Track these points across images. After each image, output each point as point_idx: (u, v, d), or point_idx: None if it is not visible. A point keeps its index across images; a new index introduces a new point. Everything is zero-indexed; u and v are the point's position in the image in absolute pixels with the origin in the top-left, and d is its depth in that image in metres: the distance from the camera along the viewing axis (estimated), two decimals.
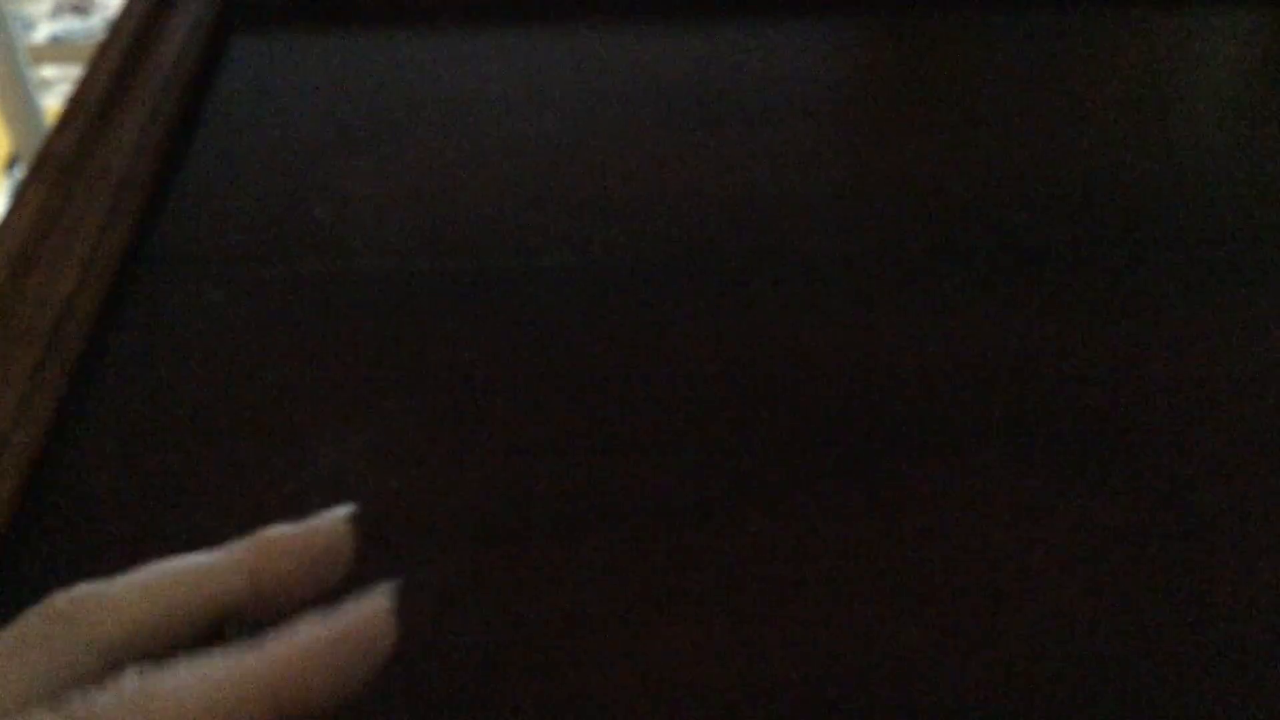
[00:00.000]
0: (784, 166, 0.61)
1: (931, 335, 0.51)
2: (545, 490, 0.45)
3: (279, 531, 0.29)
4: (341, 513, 0.29)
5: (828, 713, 0.38)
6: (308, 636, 0.26)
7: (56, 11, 2.44)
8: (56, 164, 0.58)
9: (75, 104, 0.62)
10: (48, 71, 2.14)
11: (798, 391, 0.49)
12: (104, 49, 0.66)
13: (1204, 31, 0.71)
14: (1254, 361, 0.50)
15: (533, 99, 0.66)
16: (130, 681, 0.24)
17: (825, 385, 0.49)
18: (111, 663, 0.24)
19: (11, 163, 1.98)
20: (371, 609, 0.27)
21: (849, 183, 0.60)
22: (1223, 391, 0.48)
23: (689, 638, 0.40)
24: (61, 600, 0.26)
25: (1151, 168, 0.60)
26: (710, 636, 0.40)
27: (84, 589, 0.26)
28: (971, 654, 0.40)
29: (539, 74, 0.68)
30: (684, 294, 0.53)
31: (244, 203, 0.59)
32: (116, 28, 0.68)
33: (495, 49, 0.70)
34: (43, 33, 2.38)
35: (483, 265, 0.55)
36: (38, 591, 0.26)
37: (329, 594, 0.28)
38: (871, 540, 0.43)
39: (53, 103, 1.96)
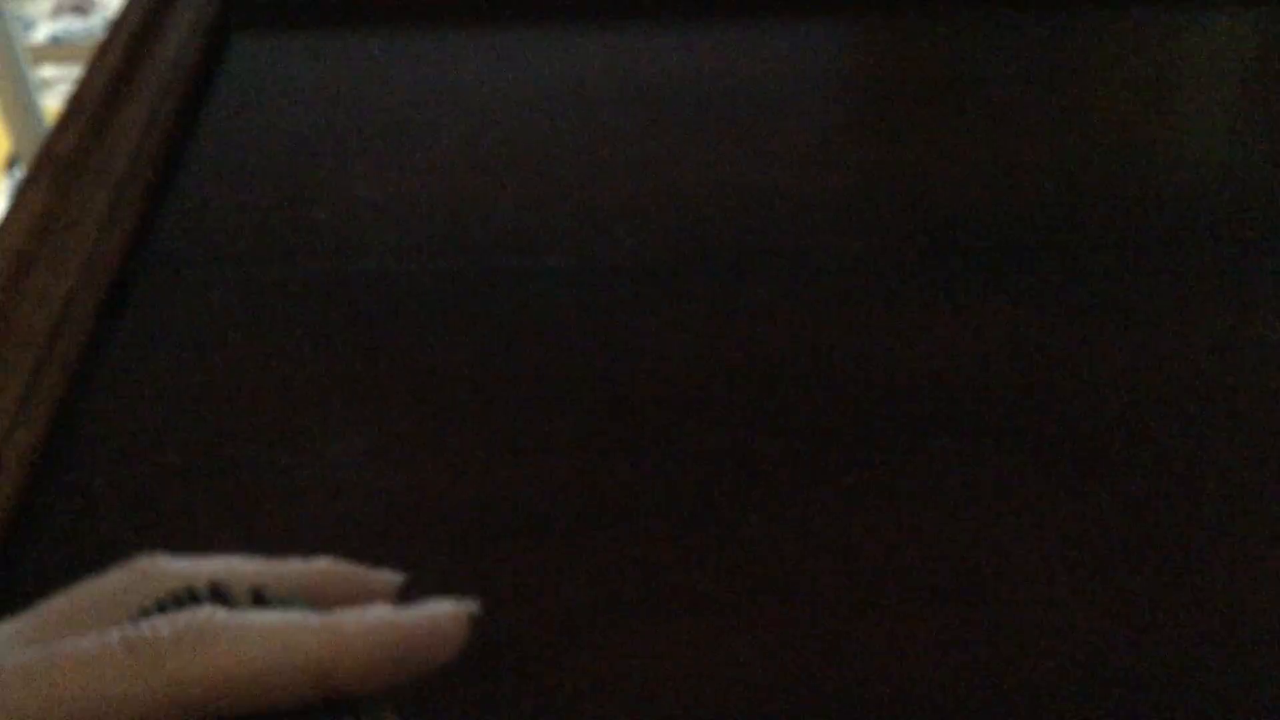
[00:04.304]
0: (784, 166, 0.61)
1: (931, 335, 0.51)
2: (545, 490, 0.45)
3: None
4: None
5: (827, 711, 0.38)
6: (378, 621, 0.26)
7: (56, 11, 2.44)
8: (56, 164, 0.58)
9: (75, 104, 0.62)
10: (48, 71, 2.14)
11: (797, 391, 0.49)
12: (104, 49, 0.66)
13: (1204, 31, 0.71)
14: (1253, 361, 0.50)
15: (533, 99, 0.66)
16: (200, 613, 0.24)
17: (825, 385, 0.49)
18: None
19: (11, 163, 1.98)
20: (448, 613, 0.27)
21: (849, 183, 0.60)
22: (1222, 391, 0.48)
23: (688, 638, 0.40)
24: (143, 559, 0.27)
25: (1151, 168, 0.60)
26: (710, 636, 0.40)
27: (162, 557, 0.27)
28: (971, 653, 0.40)
29: (539, 74, 0.68)
30: (684, 294, 0.53)
31: (244, 203, 0.59)
32: (116, 28, 0.68)
33: (495, 49, 0.70)
34: (43, 33, 2.38)
35: (483, 265, 0.55)
36: (38, 592, 0.26)
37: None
38: (871, 540, 0.43)
39: (53, 103, 1.96)
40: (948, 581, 0.42)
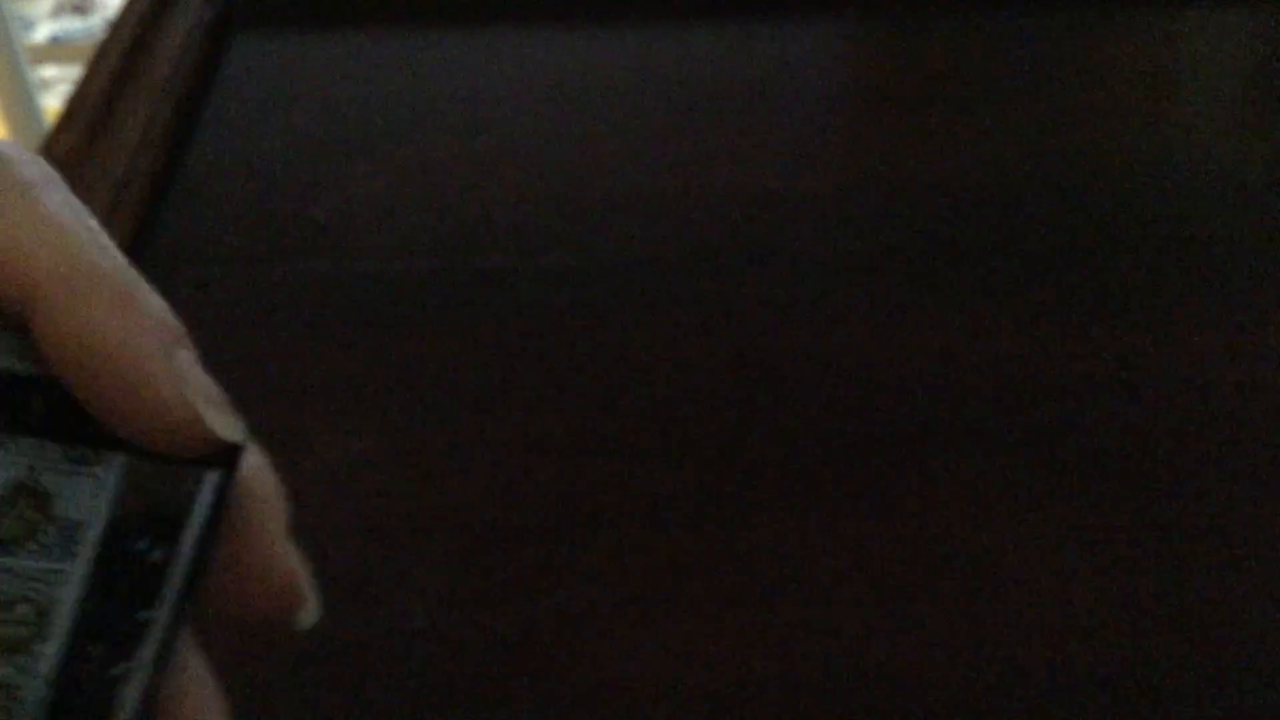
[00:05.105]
0: (784, 166, 0.61)
1: (931, 335, 0.51)
2: (545, 490, 0.45)
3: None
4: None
5: (826, 711, 0.38)
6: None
7: (56, 11, 2.44)
8: (56, 164, 0.58)
9: (75, 104, 0.62)
10: (48, 71, 2.14)
11: (797, 391, 0.49)
12: (104, 49, 0.66)
13: (1204, 31, 0.71)
14: (1252, 362, 0.50)
15: (532, 99, 0.66)
16: None
17: (825, 385, 0.49)
18: None
19: None
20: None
21: (849, 182, 0.60)
22: (1221, 391, 0.48)
23: (689, 638, 0.40)
24: None
25: (1151, 168, 0.60)
26: (710, 636, 0.40)
27: None
28: (969, 653, 0.40)
29: (539, 74, 0.68)
30: (684, 294, 0.53)
31: (244, 203, 0.59)
32: (116, 28, 0.68)
33: (495, 49, 0.70)
34: (43, 33, 2.38)
35: (483, 265, 0.55)
36: None
37: None
38: (870, 540, 0.43)
39: (53, 103, 1.96)
40: (947, 579, 0.42)
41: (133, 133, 0.60)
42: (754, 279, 0.54)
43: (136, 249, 0.56)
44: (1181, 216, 0.57)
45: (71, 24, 2.42)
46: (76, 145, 0.59)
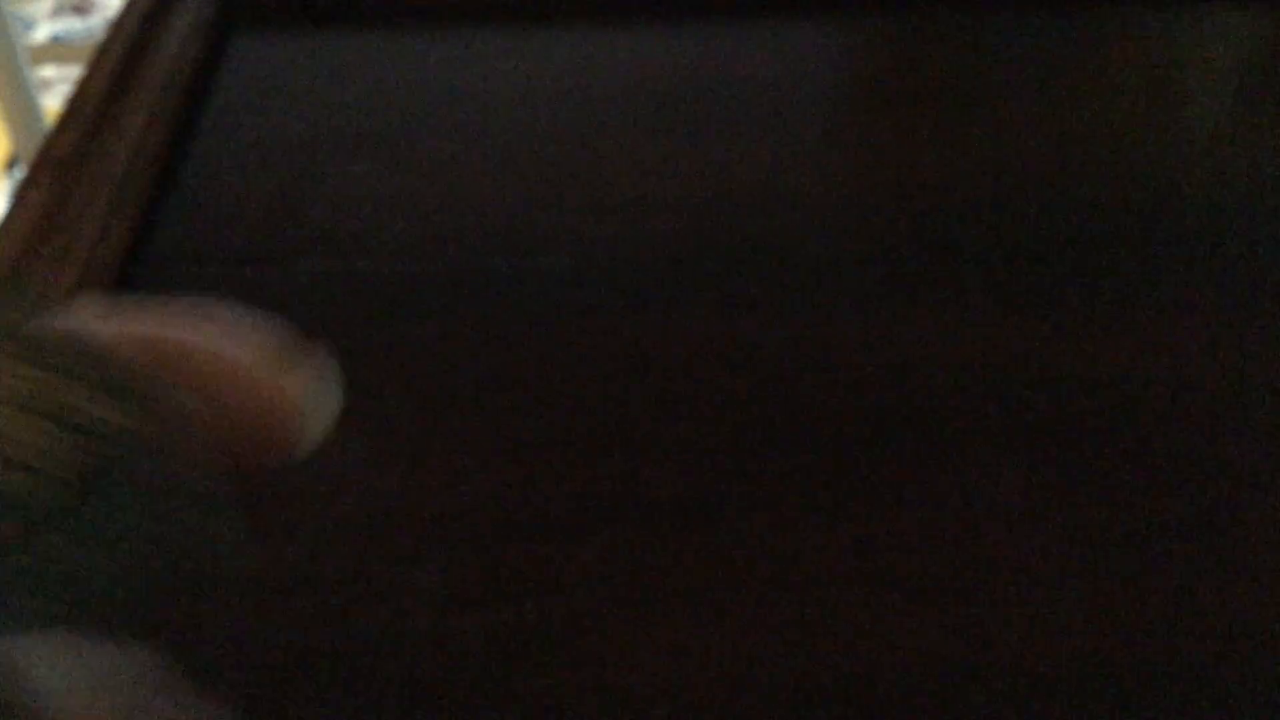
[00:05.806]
0: (783, 166, 0.61)
1: (931, 335, 0.51)
2: (545, 490, 0.45)
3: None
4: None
5: (826, 712, 0.38)
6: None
7: (56, 11, 2.44)
8: (56, 164, 0.58)
9: (75, 104, 0.62)
10: (48, 71, 2.14)
11: (797, 391, 0.49)
12: (104, 49, 0.66)
13: (1204, 31, 0.71)
14: (1253, 361, 0.50)
15: (533, 99, 0.66)
16: None
17: (824, 385, 0.49)
18: None
19: (11, 163, 1.98)
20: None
21: (849, 183, 0.60)
22: (1219, 391, 0.48)
23: (688, 638, 0.40)
24: None
25: (1151, 168, 0.60)
26: (709, 636, 0.40)
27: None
28: (970, 654, 0.40)
29: (539, 74, 0.68)
30: (684, 294, 0.53)
31: (244, 203, 0.59)
32: (116, 28, 0.68)
33: (495, 49, 0.70)
34: (43, 33, 2.38)
35: (483, 265, 0.55)
36: None
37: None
38: (871, 540, 0.43)
39: (53, 103, 1.96)
40: (948, 581, 0.42)
41: (133, 133, 0.60)
42: (754, 279, 0.54)
43: (136, 249, 0.56)
44: (1181, 216, 0.57)
45: (71, 24, 2.42)
46: (76, 145, 0.59)
